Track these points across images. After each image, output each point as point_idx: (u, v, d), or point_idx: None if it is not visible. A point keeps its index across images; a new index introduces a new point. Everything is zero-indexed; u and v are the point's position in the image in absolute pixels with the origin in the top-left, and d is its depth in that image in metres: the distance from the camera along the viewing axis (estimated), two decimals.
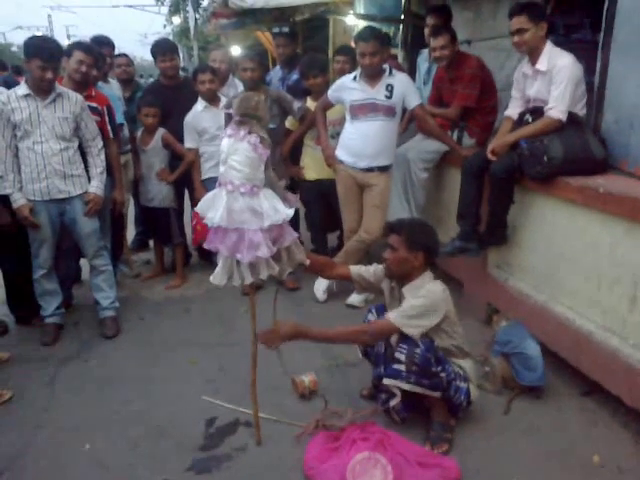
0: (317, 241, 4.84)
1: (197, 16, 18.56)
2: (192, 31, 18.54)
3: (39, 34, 4.56)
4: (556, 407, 2.91)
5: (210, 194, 2.42)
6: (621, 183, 2.86)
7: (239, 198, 2.30)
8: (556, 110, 3.14)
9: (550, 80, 3.21)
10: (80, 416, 2.95)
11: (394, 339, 2.63)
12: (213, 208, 2.35)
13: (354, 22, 7.36)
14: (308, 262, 2.64)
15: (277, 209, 2.36)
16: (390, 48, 5.42)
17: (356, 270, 2.87)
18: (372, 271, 2.85)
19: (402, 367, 2.52)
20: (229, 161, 2.30)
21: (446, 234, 4.03)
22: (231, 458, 2.59)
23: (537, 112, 3.26)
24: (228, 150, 2.31)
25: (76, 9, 41.12)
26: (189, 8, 18.34)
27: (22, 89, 3.46)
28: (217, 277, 2.40)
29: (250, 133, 2.31)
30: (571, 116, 3.17)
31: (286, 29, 5.33)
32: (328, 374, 3.22)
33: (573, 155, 3.03)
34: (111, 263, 4.03)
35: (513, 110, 3.54)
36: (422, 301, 2.55)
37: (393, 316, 2.57)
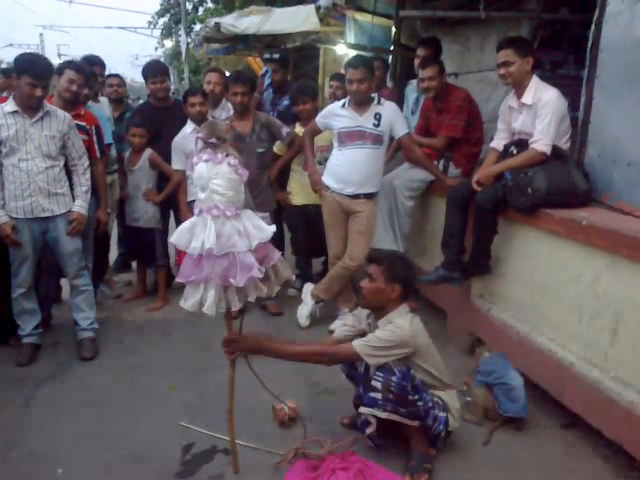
0: (302, 266, 4.84)
1: (189, 40, 18.71)
2: (183, 54, 18.68)
3: (30, 51, 4.58)
4: (537, 439, 2.89)
5: (186, 224, 2.34)
6: (604, 216, 2.90)
7: (226, 222, 2.28)
8: (540, 143, 3.19)
9: (535, 113, 3.27)
10: (54, 439, 2.88)
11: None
12: (196, 237, 2.28)
13: (344, 51, 7.47)
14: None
15: (261, 227, 2.36)
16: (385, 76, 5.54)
17: (340, 336, 2.85)
18: (351, 322, 2.87)
19: (378, 395, 2.51)
20: (211, 186, 2.27)
21: (430, 262, 4.05)
22: None
23: (522, 145, 3.32)
24: (208, 175, 2.28)
25: (68, 29, 41.11)
26: (181, 32, 18.51)
27: (10, 105, 3.44)
28: (210, 307, 2.33)
29: (227, 156, 2.31)
30: (555, 150, 3.22)
31: (277, 55, 5.38)
32: (309, 402, 3.18)
33: (557, 188, 3.07)
34: (92, 283, 3.98)
35: (498, 142, 3.60)
36: (387, 334, 2.54)
37: (357, 344, 2.58)
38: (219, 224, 2.27)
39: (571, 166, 3.20)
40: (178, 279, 2.41)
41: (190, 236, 2.30)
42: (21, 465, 2.69)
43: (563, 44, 5.19)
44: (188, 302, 2.38)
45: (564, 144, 3.34)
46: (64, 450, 2.79)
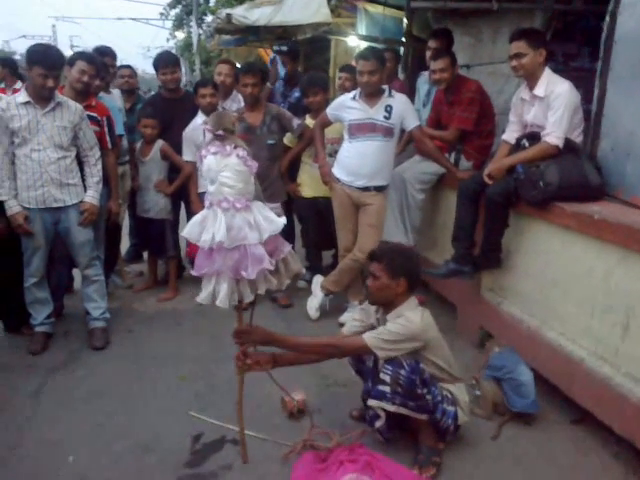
0: (312, 258, 4.84)
1: (200, 31, 18.71)
2: (195, 46, 18.69)
3: (42, 42, 4.59)
4: (546, 435, 2.88)
5: (197, 217, 2.35)
6: (616, 210, 2.87)
7: (236, 215, 2.28)
8: (553, 136, 3.16)
9: (548, 106, 3.24)
10: (64, 428, 2.91)
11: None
12: (206, 230, 2.29)
13: (355, 43, 7.44)
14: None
15: (271, 219, 2.36)
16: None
17: (350, 332, 2.85)
18: (359, 316, 2.87)
19: (387, 388, 2.50)
20: (220, 178, 2.27)
21: (440, 256, 4.04)
22: (216, 476, 2.55)
23: (534, 137, 3.29)
24: (217, 167, 2.28)
25: (80, 20, 41.20)
26: (193, 23, 18.51)
27: (22, 96, 3.45)
28: (223, 300, 2.33)
29: (236, 147, 2.31)
30: (568, 143, 3.19)
31: (285, 47, 5.36)
32: (318, 394, 3.19)
33: (569, 181, 3.04)
34: (103, 273, 4.01)
35: (510, 135, 3.57)
36: (398, 328, 2.53)
37: (368, 336, 2.56)
38: (229, 217, 2.27)
39: (584, 159, 3.16)
40: (193, 272, 2.41)
41: (201, 229, 2.30)
42: (33, 452, 2.72)
43: (577, 36, 5.14)
44: (201, 295, 2.38)
45: (577, 137, 3.31)
46: (75, 438, 2.82)
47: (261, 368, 2.59)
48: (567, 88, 3.21)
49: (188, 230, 2.36)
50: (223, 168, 2.27)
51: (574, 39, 5.13)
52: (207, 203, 2.34)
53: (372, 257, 2.71)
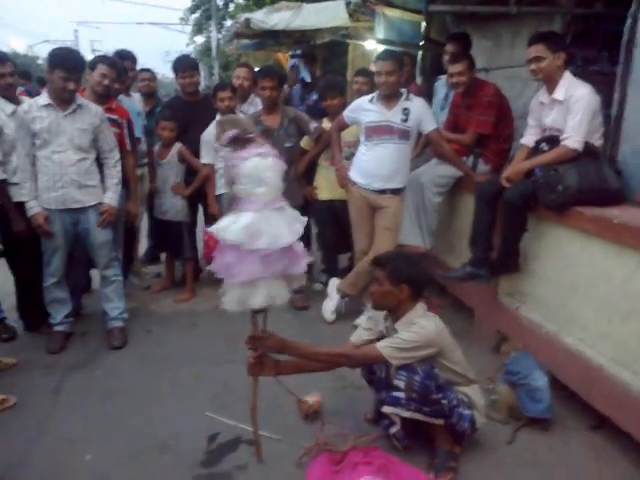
0: (328, 261, 4.84)
1: (219, 36, 18.83)
2: (214, 50, 18.80)
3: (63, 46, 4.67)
4: (563, 441, 2.85)
5: (242, 221, 2.25)
6: (636, 215, 2.83)
7: (281, 214, 2.32)
8: (572, 140, 3.14)
9: (567, 110, 3.21)
10: (82, 426, 2.94)
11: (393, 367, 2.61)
12: (266, 233, 2.22)
13: (373, 47, 7.44)
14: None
15: (297, 216, 2.41)
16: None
17: (358, 340, 2.82)
18: (367, 324, 2.85)
19: (401, 394, 2.49)
20: (267, 180, 2.28)
21: (457, 259, 4.02)
22: (231, 476, 2.57)
23: (553, 141, 3.26)
24: (263, 168, 2.29)
25: (101, 25, 41.79)
26: (212, 28, 18.63)
27: (43, 99, 3.51)
28: (282, 295, 2.36)
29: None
30: (587, 146, 3.16)
31: (299, 51, 5.39)
32: (334, 395, 3.19)
33: (588, 185, 3.02)
34: (122, 274, 4.05)
35: (529, 138, 3.55)
36: (413, 335, 2.51)
37: (382, 345, 2.54)
38: (282, 217, 2.31)
39: (603, 163, 3.14)
40: (243, 279, 2.28)
41: (253, 232, 2.23)
42: (51, 450, 2.75)
43: (596, 40, 5.08)
44: (228, 299, 2.35)
45: (596, 141, 3.27)
46: (92, 437, 2.85)
47: (267, 373, 2.61)
48: (587, 92, 3.18)
49: (235, 236, 2.24)
50: (267, 169, 2.29)
51: (594, 43, 5.08)
52: (253, 206, 2.28)
53: (376, 263, 2.71)
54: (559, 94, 3.25)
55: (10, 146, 3.59)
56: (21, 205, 3.56)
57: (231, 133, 2.34)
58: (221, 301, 2.37)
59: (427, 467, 2.59)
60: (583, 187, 3.01)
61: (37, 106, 3.48)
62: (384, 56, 3.87)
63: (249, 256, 2.25)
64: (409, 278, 2.61)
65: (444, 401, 2.50)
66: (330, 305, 4.25)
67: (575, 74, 3.36)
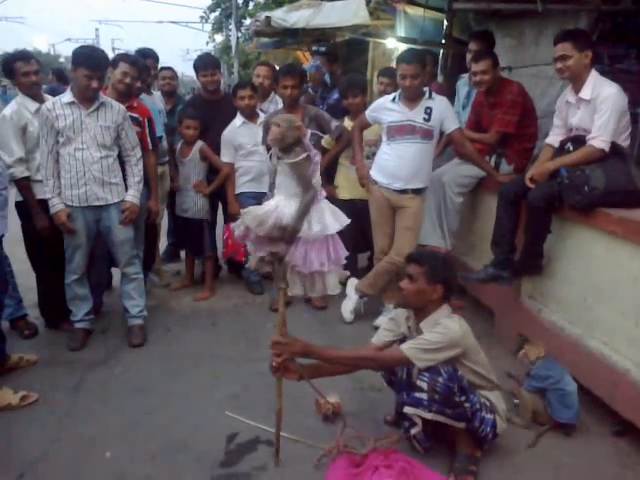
0: (347, 261, 4.80)
1: (239, 34, 18.88)
2: (233, 49, 18.85)
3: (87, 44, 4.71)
4: (587, 446, 2.80)
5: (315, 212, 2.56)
6: None
7: (326, 204, 2.65)
8: (599, 140, 3.08)
9: (594, 109, 3.15)
10: (102, 423, 2.95)
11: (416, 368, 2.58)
12: (320, 221, 2.54)
13: (394, 45, 7.38)
14: None
15: (335, 208, 2.72)
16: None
17: (379, 341, 2.80)
18: (389, 326, 2.81)
19: (424, 395, 2.46)
20: (316, 175, 2.57)
21: (479, 261, 3.97)
22: (250, 477, 2.56)
23: (579, 141, 3.21)
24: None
25: (122, 23, 42.38)
26: (232, 26, 18.69)
27: (67, 96, 3.53)
28: (335, 288, 2.68)
29: None
30: (614, 147, 3.10)
31: (322, 49, 5.36)
32: (353, 397, 3.17)
33: (616, 186, 2.96)
34: (142, 272, 4.06)
35: (554, 138, 3.49)
36: (438, 336, 2.49)
37: (406, 347, 2.52)
38: (326, 207, 2.62)
39: (631, 164, 3.08)
40: (306, 268, 2.54)
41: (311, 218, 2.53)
42: (71, 447, 2.77)
43: (624, 37, 4.98)
44: (295, 290, 2.59)
45: (623, 141, 3.21)
46: (112, 434, 2.86)
47: (291, 377, 2.60)
48: (614, 91, 3.12)
49: (301, 223, 2.51)
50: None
51: (621, 40, 4.98)
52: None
53: (412, 259, 2.67)
54: (586, 93, 3.19)
55: (34, 143, 3.62)
56: (44, 202, 3.59)
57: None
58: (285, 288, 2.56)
59: (447, 470, 2.56)
60: (610, 188, 2.95)
61: (61, 104, 3.51)
62: (408, 58, 3.80)
63: (315, 245, 2.54)
64: (445, 279, 2.60)
65: (467, 404, 2.47)
66: (349, 305, 4.22)
67: (602, 73, 3.30)
